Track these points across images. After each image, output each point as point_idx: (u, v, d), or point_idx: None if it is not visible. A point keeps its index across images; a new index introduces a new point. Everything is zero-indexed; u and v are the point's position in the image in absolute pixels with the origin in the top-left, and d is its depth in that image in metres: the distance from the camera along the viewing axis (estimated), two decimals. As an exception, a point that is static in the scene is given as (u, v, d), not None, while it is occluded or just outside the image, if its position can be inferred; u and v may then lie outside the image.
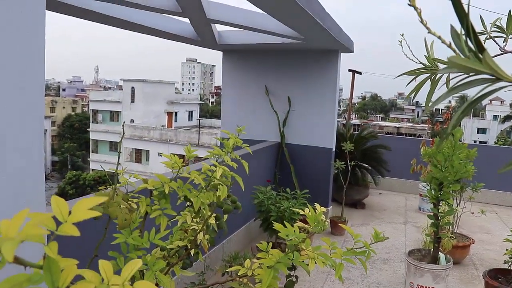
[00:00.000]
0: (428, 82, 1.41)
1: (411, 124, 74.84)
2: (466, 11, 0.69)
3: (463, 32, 0.70)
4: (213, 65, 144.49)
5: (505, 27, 1.38)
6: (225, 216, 1.77)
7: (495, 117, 71.66)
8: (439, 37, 0.82)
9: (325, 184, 7.29)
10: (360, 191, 8.30)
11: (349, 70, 11.53)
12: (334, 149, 7.37)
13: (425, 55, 1.36)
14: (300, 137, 7.37)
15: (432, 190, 4.32)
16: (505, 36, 1.39)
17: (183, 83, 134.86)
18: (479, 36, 0.72)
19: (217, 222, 1.71)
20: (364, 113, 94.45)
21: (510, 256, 4.55)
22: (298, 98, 7.30)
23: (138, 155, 42.48)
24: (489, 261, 5.86)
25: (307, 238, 1.71)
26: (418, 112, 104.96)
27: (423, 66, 1.52)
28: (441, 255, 4.44)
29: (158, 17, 5.68)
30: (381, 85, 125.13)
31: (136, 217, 1.51)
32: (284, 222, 2.12)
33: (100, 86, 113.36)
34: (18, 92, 1.67)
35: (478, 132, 66.54)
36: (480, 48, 0.69)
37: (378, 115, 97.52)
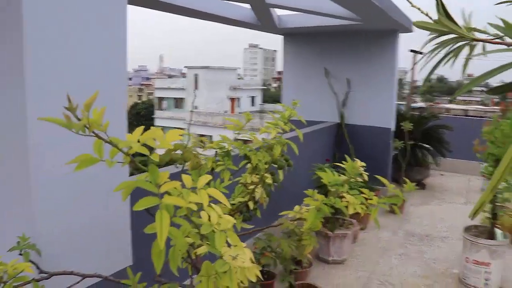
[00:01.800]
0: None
1: (481, 107, 71.66)
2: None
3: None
4: (274, 50, 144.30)
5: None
6: (280, 172, 2.00)
7: None
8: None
9: (384, 163, 7.36)
10: (420, 171, 8.29)
11: (411, 51, 11.35)
12: (393, 129, 7.41)
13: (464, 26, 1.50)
14: (359, 117, 7.46)
15: (489, 167, 4.36)
16: None
17: (245, 69, 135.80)
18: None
19: (273, 176, 1.95)
20: (430, 96, 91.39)
21: None
22: (357, 79, 7.39)
23: (201, 141, 43.54)
24: (553, 241, 5.77)
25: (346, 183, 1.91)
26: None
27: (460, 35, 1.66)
28: (498, 231, 4.47)
29: (218, 3, 5.95)
30: (448, 66, 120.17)
31: (204, 170, 1.78)
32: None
33: (165, 74, 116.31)
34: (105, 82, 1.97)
35: None
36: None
37: (445, 98, 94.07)
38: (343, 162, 2.22)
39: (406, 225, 6.31)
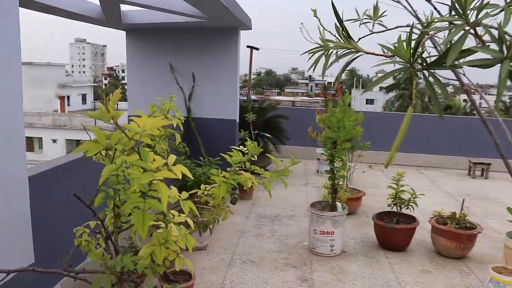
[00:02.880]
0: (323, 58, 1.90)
1: (306, 98, 77.99)
2: (340, 16, 1.17)
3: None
4: (104, 45, 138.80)
5: (373, 15, 1.92)
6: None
7: (381, 88, 76.87)
8: (325, 29, 1.31)
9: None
10: (263, 159, 8.89)
11: (247, 46, 12.06)
12: (237, 121, 7.88)
13: (319, 37, 1.86)
14: (206, 110, 7.78)
15: (328, 149, 4.99)
16: (372, 21, 1.94)
17: (72, 65, 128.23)
18: (354, 22, 1.20)
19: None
20: (260, 89, 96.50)
21: (392, 200, 5.38)
22: (202, 74, 7.68)
23: (30, 143, 40.25)
24: (378, 210, 6.72)
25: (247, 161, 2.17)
26: (311, 86, 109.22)
27: (319, 45, 2.03)
28: (338, 204, 5.15)
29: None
30: (276, 61, 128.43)
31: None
32: (201, 185, 2.57)
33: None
34: None
35: (367, 103, 71.06)
36: (348, 35, 1.18)
37: (274, 90, 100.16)
38: (245, 143, 2.52)
39: (256, 208, 6.82)
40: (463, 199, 5.44)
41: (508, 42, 1.20)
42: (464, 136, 10.41)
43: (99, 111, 1.44)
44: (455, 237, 5.00)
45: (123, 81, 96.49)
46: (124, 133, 1.44)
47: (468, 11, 1.28)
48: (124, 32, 7.93)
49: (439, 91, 1.45)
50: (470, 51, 1.26)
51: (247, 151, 2.40)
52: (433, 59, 1.37)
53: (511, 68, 1.19)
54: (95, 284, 1.85)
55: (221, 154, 2.64)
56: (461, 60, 1.28)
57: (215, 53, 7.55)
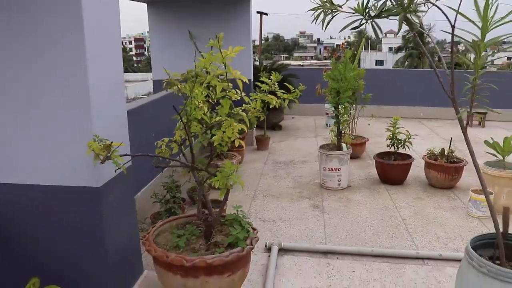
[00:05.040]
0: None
1: (315, 61, 78.17)
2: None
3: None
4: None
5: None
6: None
7: (390, 49, 76.58)
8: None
9: (249, 110, 8.66)
10: (276, 115, 9.79)
11: (257, 12, 12.71)
12: (252, 80, 8.70)
13: None
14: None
15: (332, 98, 5.84)
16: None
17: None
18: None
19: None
20: (268, 54, 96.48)
21: (389, 141, 6.23)
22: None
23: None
24: (380, 154, 7.63)
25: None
26: (320, 49, 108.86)
27: (319, 5, 2.85)
28: (343, 145, 6.03)
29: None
30: (283, 25, 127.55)
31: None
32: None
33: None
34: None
35: (376, 64, 71.08)
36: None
37: (282, 55, 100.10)
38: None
39: (272, 156, 7.73)
40: (451, 138, 6.29)
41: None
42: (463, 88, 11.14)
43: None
44: (444, 169, 5.86)
45: (130, 53, 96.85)
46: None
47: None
48: (145, 4, 8.71)
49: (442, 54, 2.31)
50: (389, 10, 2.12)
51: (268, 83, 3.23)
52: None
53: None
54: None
55: (255, 83, 3.50)
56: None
57: (229, 19, 8.32)
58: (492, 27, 2.15)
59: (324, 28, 2.83)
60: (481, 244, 2.81)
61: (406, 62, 54.67)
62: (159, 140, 3.06)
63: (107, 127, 2.62)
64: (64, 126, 2.51)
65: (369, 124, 9.47)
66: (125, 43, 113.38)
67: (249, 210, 5.26)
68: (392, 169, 6.10)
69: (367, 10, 2.27)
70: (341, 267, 3.89)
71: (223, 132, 2.67)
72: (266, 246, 4.19)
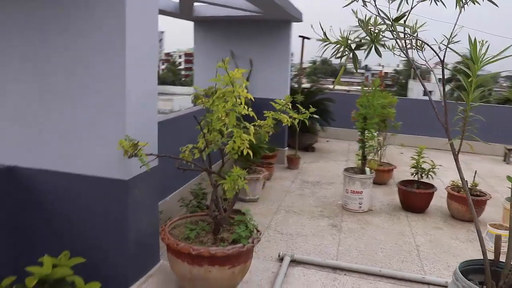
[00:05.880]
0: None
1: (360, 87, 78.01)
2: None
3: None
4: (162, 32, 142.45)
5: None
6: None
7: (440, 79, 75.13)
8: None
9: (282, 129, 8.94)
10: (310, 137, 10.05)
11: (299, 36, 13.03)
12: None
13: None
14: (262, 92, 8.95)
15: (359, 123, 6.08)
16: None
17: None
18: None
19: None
20: (315, 77, 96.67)
21: (413, 169, 6.38)
22: (259, 60, 8.85)
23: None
24: (407, 182, 7.74)
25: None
26: (368, 76, 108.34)
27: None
28: (367, 169, 6.23)
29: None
30: (332, 50, 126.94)
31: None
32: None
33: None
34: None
35: (424, 95, 70.10)
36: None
37: (329, 79, 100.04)
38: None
39: (301, 176, 7.98)
40: (475, 171, 6.39)
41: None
42: (500, 123, 11.12)
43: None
44: (466, 201, 5.95)
45: (179, 67, 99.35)
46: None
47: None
48: (191, 22, 9.22)
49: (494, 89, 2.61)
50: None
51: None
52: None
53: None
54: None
55: (271, 102, 3.84)
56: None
57: (269, 42, 8.70)
58: (482, 65, 2.38)
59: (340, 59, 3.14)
60: (473, 270, 2.98)
61: (454, 94, 53.80)
62: (183, 146, 3.42)
63: (139, 128, 3.03)
64: (104, 124, 2.95)
65: (401, 153, 9.59)
66: (175, 56, 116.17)
67: (270, 223, 5.52)
68: (413, 197, 6.24)
69: (348, 42, 2.57)
70: (347, 282, 4.10)
71: (234, 141, 2.99)
72: (279, 256, 4.45)
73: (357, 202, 6.08)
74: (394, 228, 5.63)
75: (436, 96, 66.72)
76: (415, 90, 68.41)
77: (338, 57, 2.70)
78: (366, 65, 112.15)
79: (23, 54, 3.02)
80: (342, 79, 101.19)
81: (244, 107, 3.16)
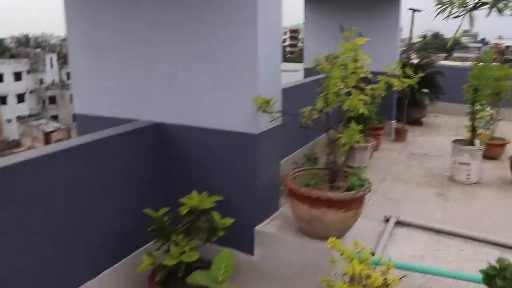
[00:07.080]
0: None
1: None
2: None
3: None
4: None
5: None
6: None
7: None
8: None
9: (390, 103, 9.03)
10: (418, 111, 10.00)
11: (409, 9, 12.76)
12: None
13: None
14: (369, 66, 9.08)
15: (470, 94, 6.08)
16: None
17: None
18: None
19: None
20: (426, 52, 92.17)
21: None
22: (368, 33, 8.88)
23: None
24: (521, 157, 7.53)
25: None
26: (484, 50, 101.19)
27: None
28: (476, 141, 6.23)
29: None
30: (445, 22, 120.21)
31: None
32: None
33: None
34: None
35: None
36: None
37: (441, 54, 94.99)
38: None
39: (408, 148, 8.08)
40: None
41: None
42: None
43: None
44: None
45: (284, 43, 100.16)
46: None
47: None
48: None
49: None
50: None
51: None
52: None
53: None
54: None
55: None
56: None
57: (378, 16, 8.78)
58: None
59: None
60: None
61: None
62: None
63: (267, 91, 3.49)
64: (239, 86, 3.46)
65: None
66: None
67: (377, 189, 5.80)
68: (527, 171, 6.15)
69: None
70: (450, 244, 4.30)
71: (351, 101, 3.33)
72: (385, 217, 4.75)
73: (465, 174, 6.13)
74: (503, 201, 5.63)
75: None
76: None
77: (454, 17, 2.90)
78: (483, 39, 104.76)
79: (177, 31, 3.60)
80: (456, 55, 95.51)
81: (364, 71, 3.50)
